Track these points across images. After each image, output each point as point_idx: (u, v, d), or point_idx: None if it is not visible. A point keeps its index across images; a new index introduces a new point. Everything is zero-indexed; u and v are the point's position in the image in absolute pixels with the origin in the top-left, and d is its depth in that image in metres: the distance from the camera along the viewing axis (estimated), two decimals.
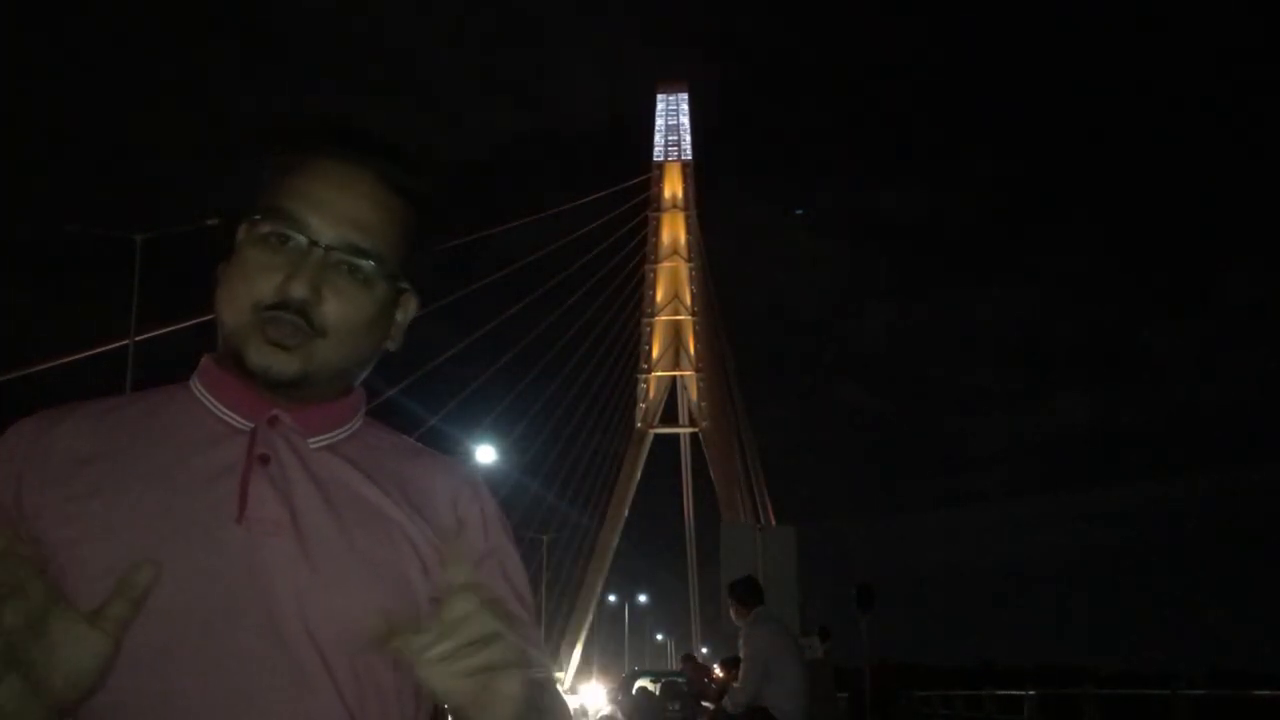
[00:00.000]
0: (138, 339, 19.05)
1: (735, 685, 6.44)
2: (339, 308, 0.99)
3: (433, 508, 1.05)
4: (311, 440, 1.03)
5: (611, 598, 65.96)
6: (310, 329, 0.98)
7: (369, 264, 1.01)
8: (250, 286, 0.98)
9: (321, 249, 0.99)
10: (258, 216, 1.01)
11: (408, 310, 1.09)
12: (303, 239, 0.99)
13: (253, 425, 1.00)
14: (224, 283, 1.01)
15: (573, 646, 54.80)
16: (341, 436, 1.06)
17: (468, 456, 25.08)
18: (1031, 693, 15.24)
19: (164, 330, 20.45)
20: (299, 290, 0.97)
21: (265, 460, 0.99)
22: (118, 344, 19.47)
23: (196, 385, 1.04)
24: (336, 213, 1.00)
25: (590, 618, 57.80)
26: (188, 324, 20.80)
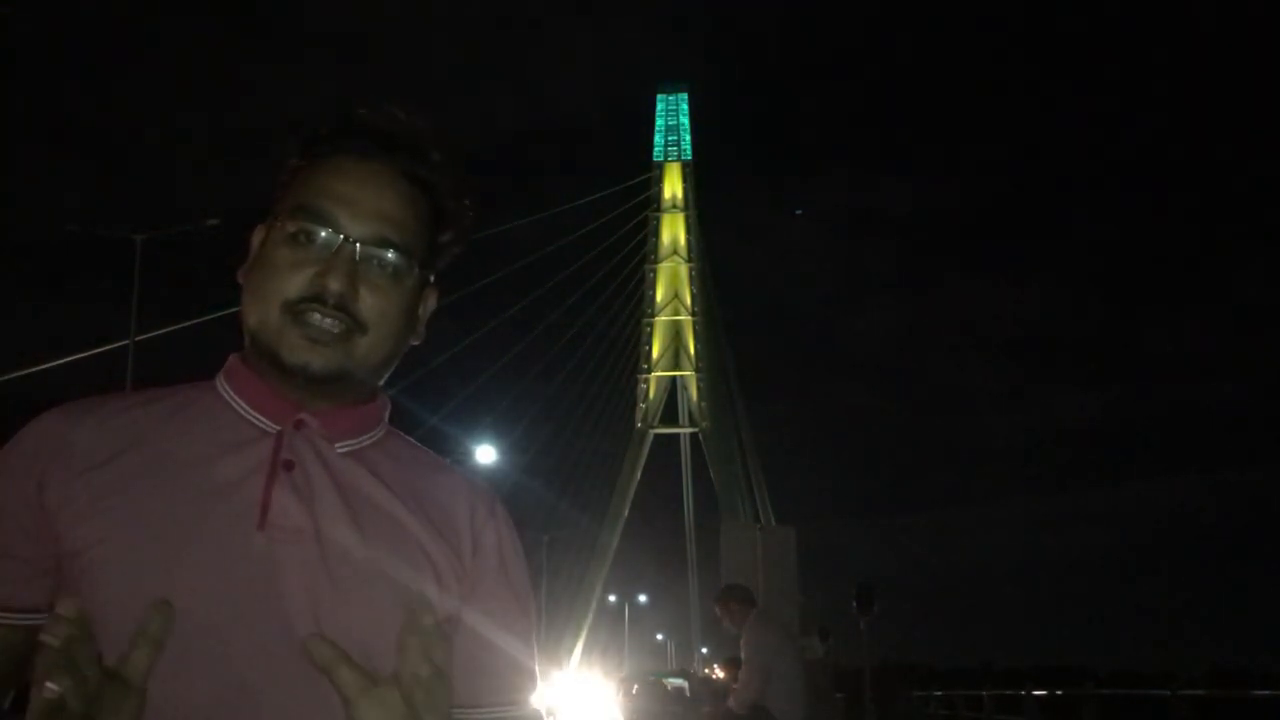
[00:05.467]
0: (138, 339, 19.05)
1: (737, 686, 6.43)
2: (375, 302, 0.99)
3: (451, 526, 1.05)
4: (338, 445, 1.02)
5: (611, 598, 65.90)
6: (352, 323, 0.98)
7: (400, 257, 1.01)
8: (280, 283, 0.97)
9: (353, 243, 0.99)
10: (282, 216, 1.00)
11: (429, 303, 1.09)
12: (333, 234, 0.99)
13: (279, 429, 0.99)
14: (249, 285, 1.01)
15: (573, 646, 54.79)
16: (367, 443, 1.05)
17: (468, 456, 25.06)
18: (1032, 693, 15.23)
19: (164, 330, 20.46)
20: (336, 283, 0.97)
21: (289, 466, 0.97)
22: (118, 344, 19.47)
23: (223, 386, 1.03)
24: (364, 208, 1.00)
25: (590, 618, 57.85)
26: (188, 324, 20.82)
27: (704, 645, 62.44)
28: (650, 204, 61.32)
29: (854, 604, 13.75)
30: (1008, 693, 17.31)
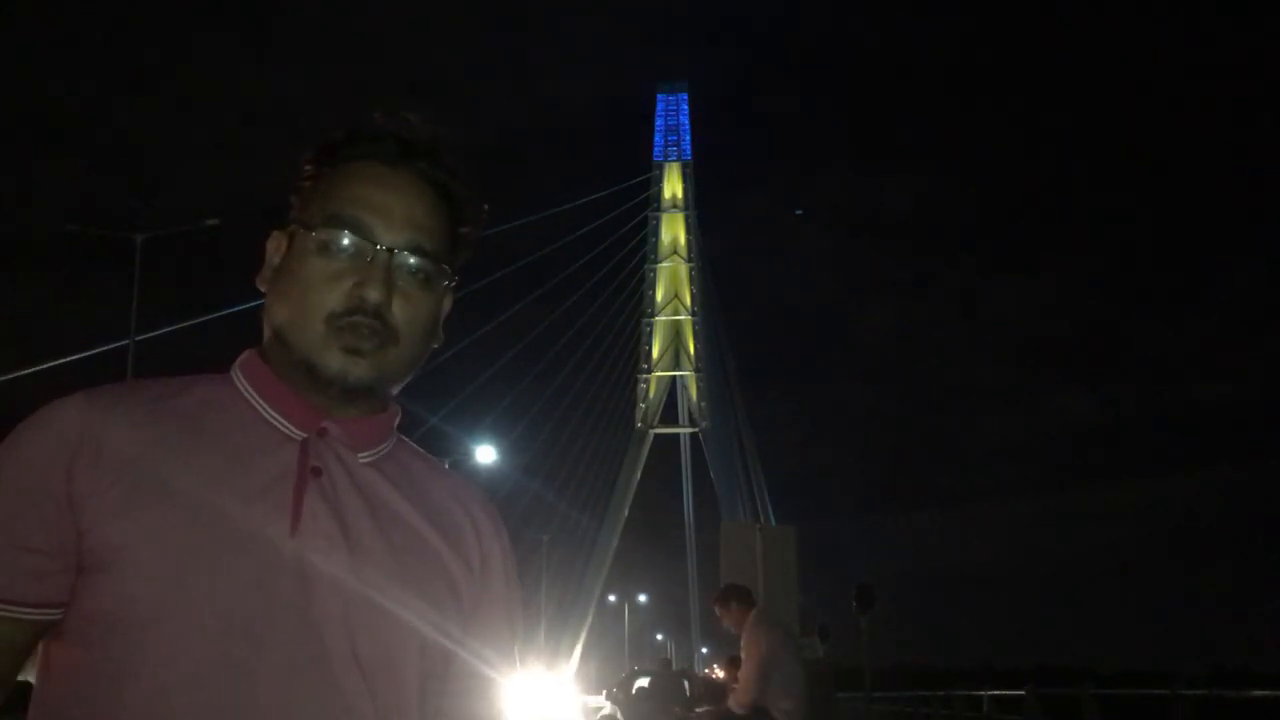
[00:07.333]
0: (138, 339, 19.05)
1: (736, 686, 6.44)
2: (407, 310, 1.01)
3: (460, 538, 1.07)
4: (359, 455, 1.03)
5: (611, 598, 65.96)
6: (388, 333, 0.99)
7: (431, 264, 1.02)
8: (320, 296, 0.98)
9: (386, 251, 1.00)
10: (313, 225, 1.00)
11: (446, 306, 1.09)
12: (368, 243, 0.99)
13: (304, 435, 0.99)
14: (280, 294, 1.01)
15: (572, 646, 54.80)
16: (384, 452, 1.06)
17: (468, 456, 25.09)
18: (1031, 693, 15.21)
19: (164, 330, 20.47)
20: (374, 294, 0.98)
21: (317, 473, 0.98)
22: (118, 344, 19.47)
23: (243, 384, 1.02)
24: (396, 215, 1.01)
25: (590, 618, 57.82)
26: (187, 324, 20.84)
27: (704, 645, 62.49)
28: (650, 204, 61.27)
29: (854, 604, 13.77)
30: (1007, 693, 17.31)
